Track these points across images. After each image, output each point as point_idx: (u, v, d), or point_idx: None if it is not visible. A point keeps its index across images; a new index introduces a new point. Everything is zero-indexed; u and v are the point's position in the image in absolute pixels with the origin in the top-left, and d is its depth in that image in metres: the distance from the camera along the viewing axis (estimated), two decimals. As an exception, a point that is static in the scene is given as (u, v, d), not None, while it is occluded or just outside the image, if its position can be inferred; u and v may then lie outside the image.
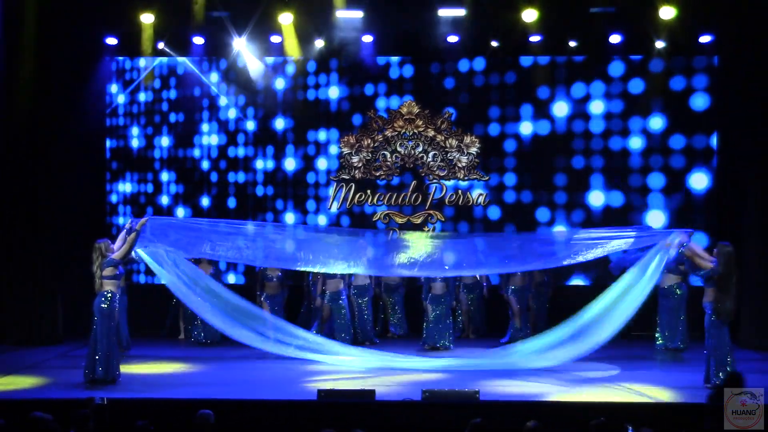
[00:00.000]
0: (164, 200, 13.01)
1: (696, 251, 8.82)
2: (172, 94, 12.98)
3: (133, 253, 9.00)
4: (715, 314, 8.52)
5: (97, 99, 12.68)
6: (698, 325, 9.99)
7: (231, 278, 12.76)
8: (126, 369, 8.99)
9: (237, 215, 12.75)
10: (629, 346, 10.87)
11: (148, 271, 12.94)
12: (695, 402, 7.82)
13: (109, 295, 8.62)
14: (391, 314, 11.88)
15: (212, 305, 9.64)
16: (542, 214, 12.45)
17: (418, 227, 12.55)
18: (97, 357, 8.53)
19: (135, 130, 13.06)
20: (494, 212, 12.54)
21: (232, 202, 12.91)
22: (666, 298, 10.28)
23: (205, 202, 12.94)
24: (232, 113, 12.89)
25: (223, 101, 12.88)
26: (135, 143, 13.06)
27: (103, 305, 8.61)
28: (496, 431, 6.73)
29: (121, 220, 12.98)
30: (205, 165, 12.93)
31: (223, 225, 10.14)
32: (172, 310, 11.83)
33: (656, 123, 12.23)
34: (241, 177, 12.89)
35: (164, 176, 13.00)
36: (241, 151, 12.90)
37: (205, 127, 12.93)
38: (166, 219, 9.83)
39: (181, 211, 12.97)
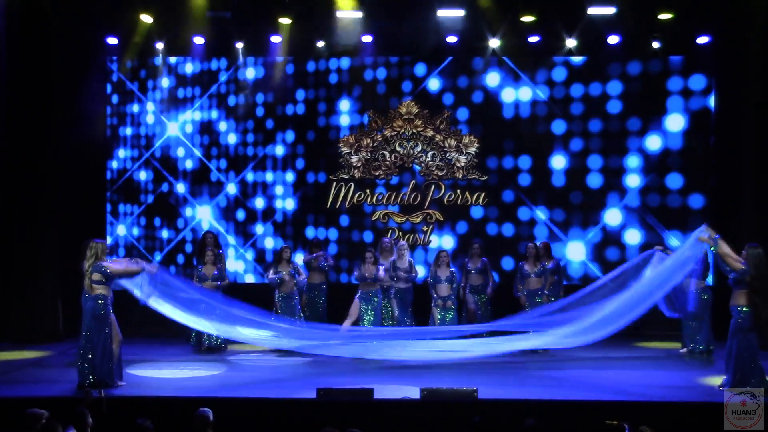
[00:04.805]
0: (164, 200, 13.06)
1: (725, 250, 8.38)
2: (174, 93, 13.03)
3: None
4: (746, 318, 8.20)
5: (97, 99, 12.72)
6: (723, 328, 10.03)
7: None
8: (126, 368, 8.97)
9: (236, 215, 12.82)
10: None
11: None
12: (694, 401, 7.91)
13: (102, 300, 8.45)
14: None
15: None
16: (540, 213, 12.51)
17: (417, 226, 12.61)
18: (95, 362, 8.39)
19: (135, 130, 13.10)
20: (492, 212, 12.60)
21: (230, 205, 12.97)
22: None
23: (206, 201, 13.01)
24: (232, 112, 12.95)
25: (226, 100, 12.97)
26: (136, 142, 13.10)
27: (97, 310, 8.44)
28: (495, 429, 6.77)
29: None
30: (206, 164, 12.98)
31: (236, 309, 9.66)
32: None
33: (654, 123, 12.28)
34: (240, 177, 12.94)
35: (165, 176, 13.05)
36: (240, 150, 12.95)
37: (205, 126, 12.99)
38: (173, 278, 9.57)
39: (188, 211, 13.04)
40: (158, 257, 12.98)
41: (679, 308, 10.02)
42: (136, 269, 8.67)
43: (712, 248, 8.40)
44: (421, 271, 11.45)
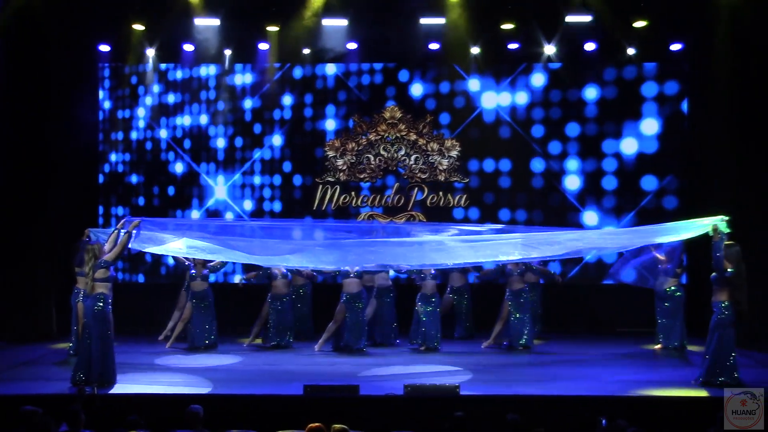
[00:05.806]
0: (156, 202, 13.26)
1: (722, 247, 8.58)
2: (165, 98, 13.24)
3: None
4: (729, 313, 8.50)
5: (90, 103, 12.92)
6: (695, 325, 10.34)
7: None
8: (119, 366, 8.96)
9: (224, 217, 13.05)
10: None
11: (132, 269, 13.14)
12: (669, 395, 8.17)
13: (102, 297, 8.56)
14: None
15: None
16: (520, 215, 12.84)
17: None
18: (91, 360, 8.48)
19: (126, 134, 13.30)
20: (474, 213, 12.92)
21: (221, 206, 13.20)
22: (664, 300, 10.68)
23: (195, 205, 13.24)
24: (220, 117, 13.17)
25: (215, 105, 13.20)
26: (125, 147, 13.30)
27: (96, 308, 8.54)
28: (477, 425, 7.01)
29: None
30: (195, 169, 13.21)
31: (213, 226, 10.26)
32: (176, 317, 11.51)
33: (630, 127, 12.61)
34: (228, 179, 13.17)
35: (155, 179, 13.26)
36: (228, 155, 13.17)
37: (194, 130, 13.21)
38: (158, 220, 9.86)
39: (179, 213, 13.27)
40: (149, 257, 13.17)
41: (650, 281, 10.54)
42: (125, 239, 8.67)
43: (716, 240, 8.54)
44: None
